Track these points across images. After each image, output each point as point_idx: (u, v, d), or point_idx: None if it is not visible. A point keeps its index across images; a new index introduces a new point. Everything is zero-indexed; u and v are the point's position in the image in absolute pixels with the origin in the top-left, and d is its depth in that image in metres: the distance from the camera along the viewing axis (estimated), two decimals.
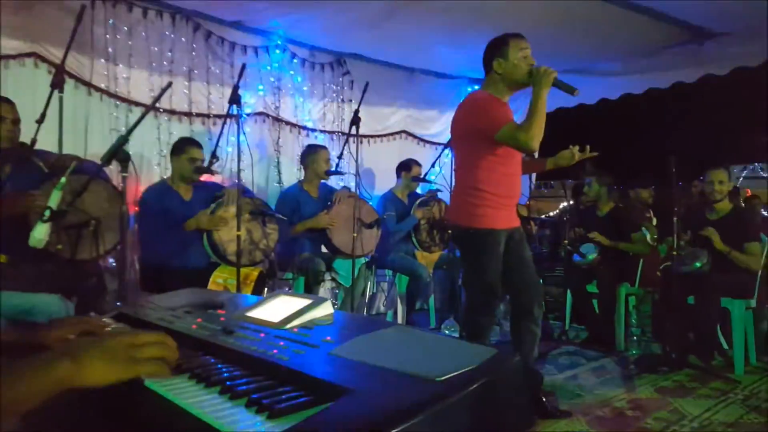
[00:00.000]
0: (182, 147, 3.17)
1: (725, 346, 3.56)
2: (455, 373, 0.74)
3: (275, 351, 0.91)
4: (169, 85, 1.98)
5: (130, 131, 1.94)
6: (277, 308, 1.16)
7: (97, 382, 0.74)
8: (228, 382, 0.82)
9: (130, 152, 3.45)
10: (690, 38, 4.14)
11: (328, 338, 0.97)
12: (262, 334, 1.03)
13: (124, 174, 1.94)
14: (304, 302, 1.14)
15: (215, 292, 1.55)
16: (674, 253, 3.35)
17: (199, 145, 3.23)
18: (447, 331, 3.84)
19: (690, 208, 3.99)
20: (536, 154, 3.55)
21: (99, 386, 0.74)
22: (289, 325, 1.07)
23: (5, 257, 2.12)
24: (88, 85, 3.33)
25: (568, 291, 4.20)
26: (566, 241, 4.12)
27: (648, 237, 4.16)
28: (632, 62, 4.59)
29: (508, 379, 0.77)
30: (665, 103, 5.21)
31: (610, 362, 3.51)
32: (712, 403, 2.75)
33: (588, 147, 2.75)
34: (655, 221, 4.92)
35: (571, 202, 4.53)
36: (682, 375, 3.22)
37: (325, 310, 1.13)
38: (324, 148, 3.94)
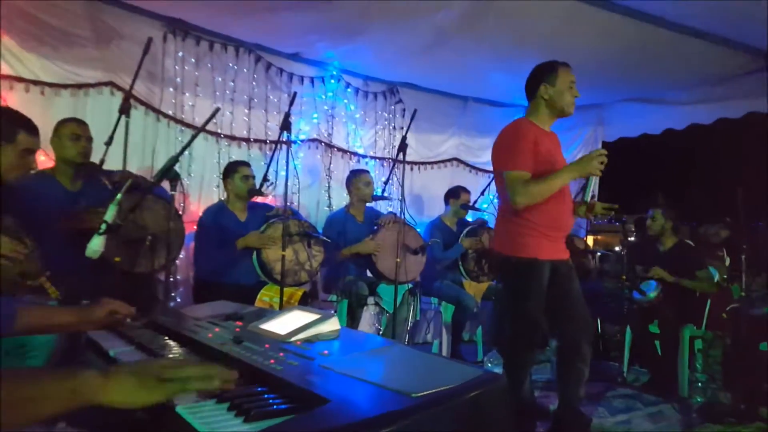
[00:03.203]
0: (233, 168, 3.38)
1: None
2: (433, 390, 0.72)
3: (272, 361, 0.94)
4: (217, 110, 2.10)
5: (180, 153, 2.08)
6: (288, 322, 1.19)
7: (124, 402, 0.71)
8: None
9: (193, 174, 3.79)
10: (764, 66, 3.88)
11: (325, 352, 0.98)
12: (267, 346, 1.06)
13: (173, 192, 2.07)
14: (312, 317, 1.16)
15: (242, 306, 1.60)
16: (742, 294, 3.07)
17: (247, 164, 3.42)
18: (489, 364, 3.71)
19: (765, 246, 3.66)
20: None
21: (126, 407, 0.72)
22: (293, 339, 1.09)
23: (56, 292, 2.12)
24: (157, 111, 3.62)
25: (628, 330, 3.93)
26: (624, 277, 3.88)
27: (717, 276, 3.84)
28: (700, 91, 4.38)
29: (489, 401, 0.74)
30: (737, 134, 4.86)
31: (669, 408, 3.22)
32: None
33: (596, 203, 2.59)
34: (728, 261, 4.54)
35: (632, 237, 4.28)
36: (752, 428, 2.90)
37: (332, 326, 1.14)
38: (364, 171, 3.96)
